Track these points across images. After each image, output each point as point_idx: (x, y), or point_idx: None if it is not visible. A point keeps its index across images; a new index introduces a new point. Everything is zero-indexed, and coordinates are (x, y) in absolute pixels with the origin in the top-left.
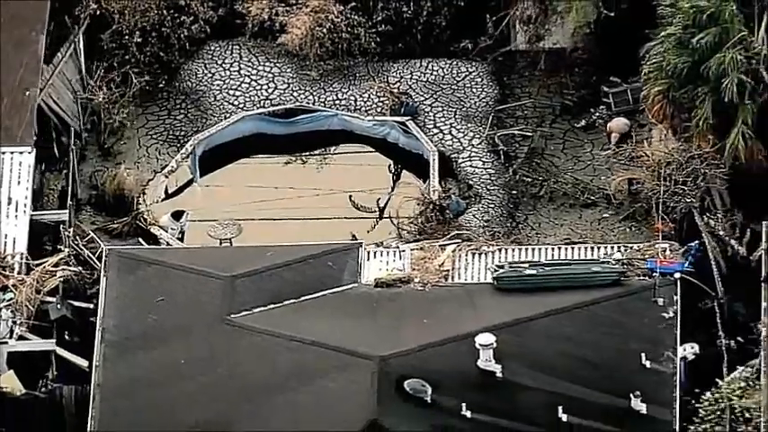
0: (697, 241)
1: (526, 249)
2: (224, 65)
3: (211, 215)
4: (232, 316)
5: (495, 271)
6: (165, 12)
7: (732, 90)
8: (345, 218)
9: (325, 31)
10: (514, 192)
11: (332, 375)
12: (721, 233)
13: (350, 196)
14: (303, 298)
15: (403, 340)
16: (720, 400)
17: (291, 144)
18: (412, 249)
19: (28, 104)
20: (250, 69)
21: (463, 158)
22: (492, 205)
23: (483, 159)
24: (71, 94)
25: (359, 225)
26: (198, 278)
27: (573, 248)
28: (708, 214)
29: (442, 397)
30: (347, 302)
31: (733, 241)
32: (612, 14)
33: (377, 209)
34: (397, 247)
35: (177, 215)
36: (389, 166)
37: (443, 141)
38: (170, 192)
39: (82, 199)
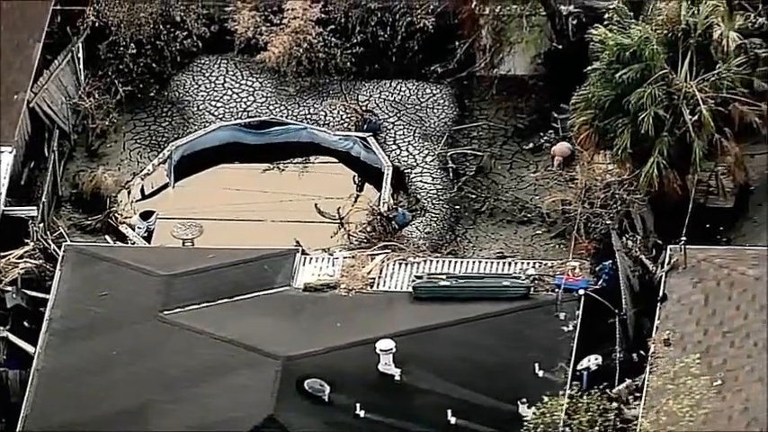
0: (611, 260)
1: (449, 262)
2: (210, 77)
3: (182, 216)
4: (165, 312)
5: (414, 281)
6: (161, 26)
7: (648, 123)
8: (311, 222)
9: (302, 50)
10: (458, 207)
11: (241, 371)
12: (637, 253)
13: (315, 204)
14: (235, 298)
15: (314, 342)
16: (545, 415)
17: (264, 153)
18: (344, 257)
19: (17, 106)
20: (233, 83)
21: (415, 174)
22: (435, 219)
23: (433, 176)
24: (65, 99)
25: (323, 231)
26: (139, 275)
27: (491, 263)
28: (627, 235)
29: (340, 396)
30: (274, 304)
31: (647, 261)
32: (561, 47)
33: (338, 216)
34: (331, 255)
35: (146, 215)
36: (354, 178)
37: (400, 157)
38: (146, 193)
39: (63, 196)
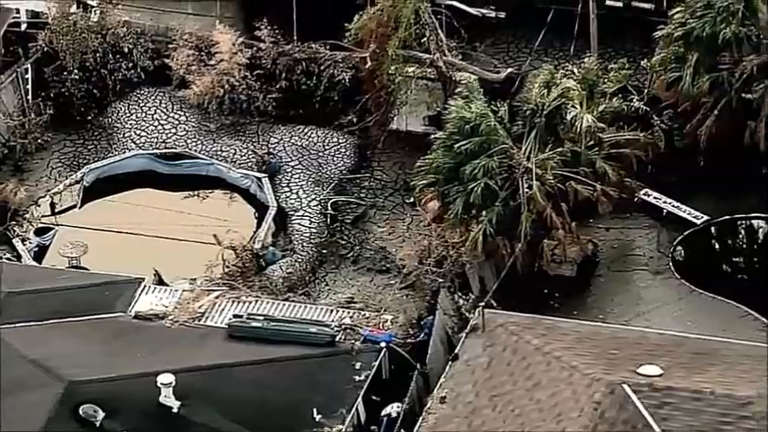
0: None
1: (278, 304)
2: (144, 107)
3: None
4: None
5: (231, 320)
6: (110, 55)
7: (477, 193)
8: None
9: (223, 90)
10: (325, 251)
11: (34, 391)
12: (464, 312)
13: (214, 234)
14: (66, 320)
15: (110, 369)
16: None
17: (175, 183)
18: (184, 290)
19: None
20: (162, 114)
21: (297, 216)
22: (300, 260)
23: (311, 219)
24: (2, 116)
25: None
26: None
27: (312, 309)
28: (459, 294)
29: (113, 423)
30: (98, 329)
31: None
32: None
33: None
34: (169, 287)
35: (40, 231)
36: (254, 213)
37: (288, 199)
38: (55, 210)
39: None
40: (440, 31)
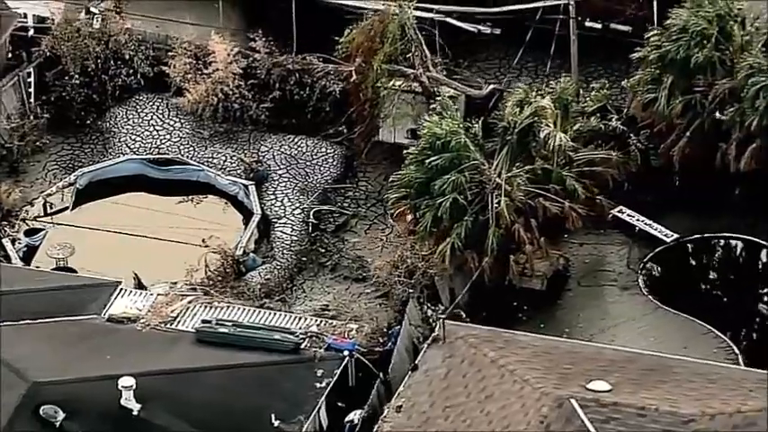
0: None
1: (248, 310)
2: (141, 113)
3: (75, 236)
4: None
5: (200, 325)
6: (112, 61)
7: (445, 207)
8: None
9: (217, 99)
10: (304, 258)
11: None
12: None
13: (203, 239)
14: (40, 321)
15: (78, 370)
16: None
17: (165, 188)
18: (159, 294)
19: None
20: (158, 121)
21: (280, 224)
22: (279, 267)
23: (294, 227)
24: (2, 118)
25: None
26: None
27: (281, 315)
28: (429, 304)
29: (73, 425)
30: (72, 331)
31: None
32: None
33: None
34: (145, 290)
35: (30, 232)
36: (242, 220)
37: (273, 207)
38: (48, 212)
39: None
40: (424, 47)
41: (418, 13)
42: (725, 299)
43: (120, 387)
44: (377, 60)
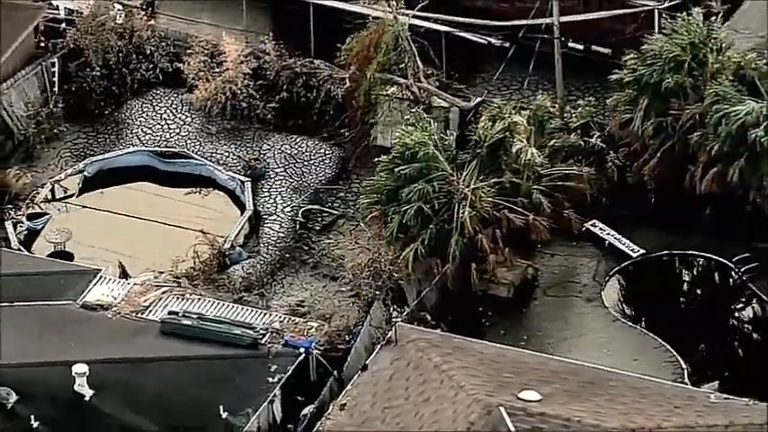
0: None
1: (219, 303)
2: (156, 107)
3: (78, 223)
4: None
5: (166, 316)
6: (134, 55)
7: (410, 215)
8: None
9: (225, 97)
10: (288, 255)
11: None
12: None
13: (201, 229)
14: (13, 305)
15: (40, 354)
16: None
17: (169, 180)
18: (135, 283)
19: None
20: (170, 115)
21: (269, 221)
22: (262, 262)
23: (282, 224)
24: (23, 105)
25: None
26: None
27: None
28: (395, 306)
29: (26, 407)
30: (45, 315)
31: None
32: None
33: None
34: (120, 279)
35: (32, 217)
36: (240, 214)
37: (265, 203)
38: (54, 197)
39: None
40: (417, 58)
41: (425, 24)
42: (684, 315)
43: (74, 374)
44: (370, 69)
